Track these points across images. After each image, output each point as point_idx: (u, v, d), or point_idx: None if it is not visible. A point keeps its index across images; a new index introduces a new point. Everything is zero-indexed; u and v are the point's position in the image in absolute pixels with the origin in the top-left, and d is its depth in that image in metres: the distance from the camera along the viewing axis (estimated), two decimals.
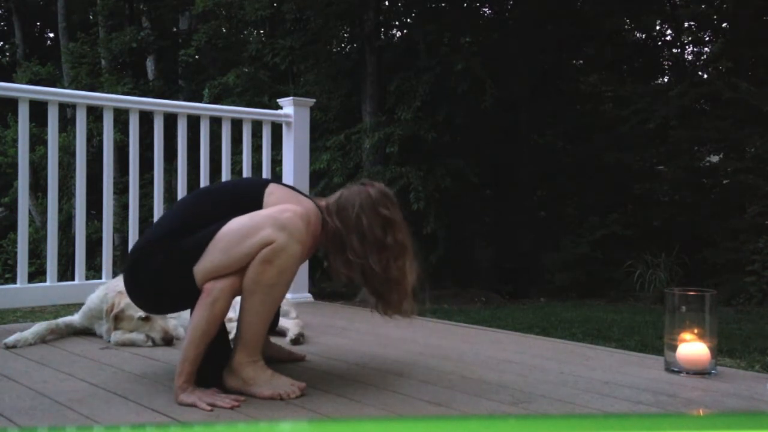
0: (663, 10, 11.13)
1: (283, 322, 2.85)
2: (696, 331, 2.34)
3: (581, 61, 11.98)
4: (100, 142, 3.61)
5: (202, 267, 1.99)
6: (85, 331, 2.86)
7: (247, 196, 2.13)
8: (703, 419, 1.00)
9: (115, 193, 3.53)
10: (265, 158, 3.98)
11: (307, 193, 2.42)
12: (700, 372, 2.32)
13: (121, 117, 6.07)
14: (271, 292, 1.98)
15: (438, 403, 2.00)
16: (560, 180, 10.67)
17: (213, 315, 1.97)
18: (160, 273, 2.05)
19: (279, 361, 2.39)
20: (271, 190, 2.14)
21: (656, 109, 9.25)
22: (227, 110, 3.98)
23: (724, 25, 10.89)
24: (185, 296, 2.05)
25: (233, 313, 2.33)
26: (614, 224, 9.17)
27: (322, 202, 2.20)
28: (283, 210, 2.00)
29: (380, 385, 2.15)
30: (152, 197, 3.60)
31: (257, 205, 2.08)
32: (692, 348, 2.33)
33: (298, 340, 2.74)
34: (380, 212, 2.12)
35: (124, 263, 2.17)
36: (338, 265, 2.17)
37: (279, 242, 1.95)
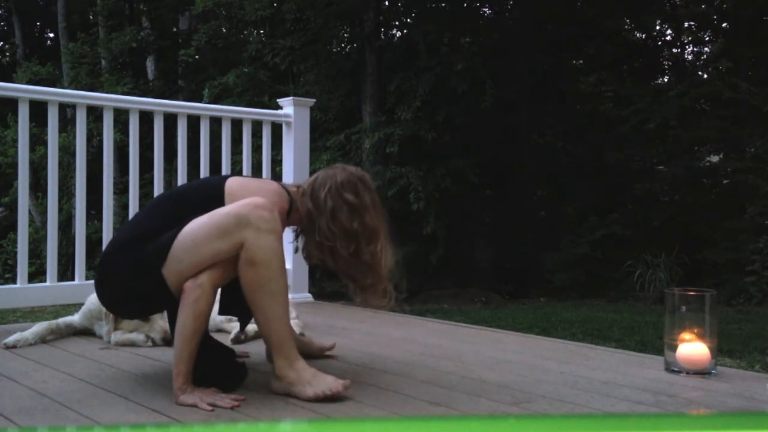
0: (663, 10, 11.13)
1: None
2: (696, 331, 2.34)
3: (581, 61, 11.98)
4: (100, 142, 3.62)
5: (171, 268, 1.98)
6: (85, 332, 2.86)
7: (208, 194, 2.12)
8: (703, 419, 1.00)
9: (115, 193, 3.53)
10: (265, 158, 3.98)
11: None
12: (700, 372, 2.32)
13: (121, 117, 6.07)
14: (270, 288, 1.97)
15: (438, 403, 2.00)
16: (560, 180, 10.67)
17: (198, 311, 1.96)
18: (129, 278, 2.05)
19: (310, 356, 2.40)
20: (231, 184, 2.13)
21: (656, 109, 9.25)
22: (227, 110, 3.98)
23: (724, 25, 10.89)
24: (157, 298, 2.06)
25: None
26: (614, 224, 9.17)
27: (294, 188, 2.22)
28: (243, 206, 1.99)
29: (380, 385, 2.15)
30: (152, 197, 3.58)
31: (219, 201, 2.08)
32: (692, 348, 2.33)
33: None
34: (345, 197, 2.11)
35: (95, 272, 2.16)
36: (310, 247, 2.19)
37: (250, 240, 1.95)
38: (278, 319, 2.00)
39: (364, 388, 2.13)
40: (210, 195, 2.11)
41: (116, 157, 7.61)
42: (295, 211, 2.18)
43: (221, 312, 2.30)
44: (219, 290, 2.22)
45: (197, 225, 1.99)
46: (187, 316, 1.96)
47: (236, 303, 2.25)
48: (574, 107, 11.29)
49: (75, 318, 2.87)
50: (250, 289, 1.98)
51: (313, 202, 2.14)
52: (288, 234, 2.30)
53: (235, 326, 2.77)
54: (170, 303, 2.08)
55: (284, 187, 2.21)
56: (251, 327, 2.83)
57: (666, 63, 12.02)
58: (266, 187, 2.15)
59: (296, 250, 2.27)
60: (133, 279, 2.05)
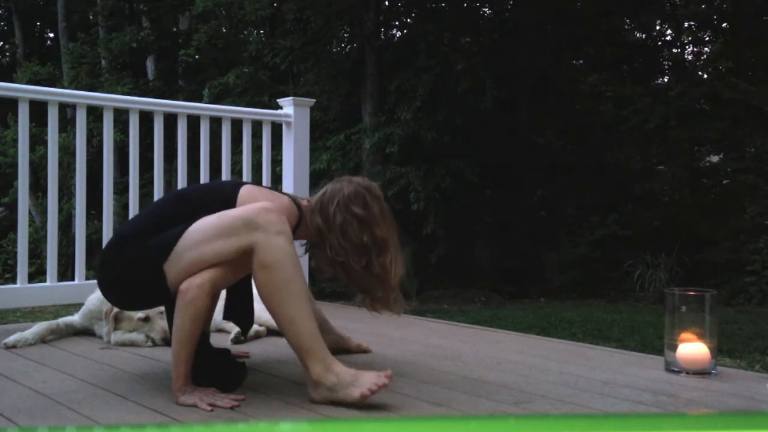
0: (663, 10, 11.12)
1: None
2: (696, 331, 2.34)
3: (581, 61, 11.97)
4: (100, 142, 3.61)
5: (172, 264, 1.97)
6: (85, 332, 2.86)
7: (220, 198, 2.12)
8: (703, 419, 1.00)
9: (115, 193, 3.54)
10: (265, 158, 3.98)
11: (307, 194, 2.43)
12: (700, 372, 2.32)
13: (121, 117, 6.07)
14: (288, 290, 1.94)
15: (438, 403, 2.00)
16: (560, 180, 10.66)
17: (195, 312, 1.94)
18: (130, 269, 2.05)
19: (346, 352, 2.39)
20: (245, 191, 2.13)
21: (656, 109, 9.25)
22: (227, 110, 3.98)
23: (724, 25, 10.89)
24: (156, 293, 2.05)
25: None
26: (614, 224, 9.16)
27: (305, 202, 2.22)
28: (251, 210, 1.98)
29: None
30: (152, 197, 3.59)
31: (230, 206, 2.08)
32: (692, 348, 2.34)
33: None
34: (353, 211, 2.11)
35: (97, 259, 2.16)
36: (322, 263, 2.19)
37: (259, 243, 1.93)
38: (303, 321, 1.94)
39: None
40: (221, 201, 2.10)
41: (116, 157, 7.60)
42: (304, 226, 2.17)
43: (225, 316, 2.30)
44: (224, 293, 2.23)
45: (204, 224, 1.99)
46: (184, 318, 1.94)
47: (239, 307, 2.25)
48: (574, 107, 11.28)
49: (75, 318, 2.87)
50: (267, 292, 1.95)
51: (323, 218, 2.13)
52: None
53: (235, 326, 2.77)
54: (167, 299, 2.08)
55: (295, 201, 2.20)
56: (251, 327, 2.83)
57: (666, 63, 12.01)
58: (277, 201, 2.13)
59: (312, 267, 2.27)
60: (134, 271, 2.04)
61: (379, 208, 2.15)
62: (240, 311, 2.27)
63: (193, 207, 2.10)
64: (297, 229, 2.17)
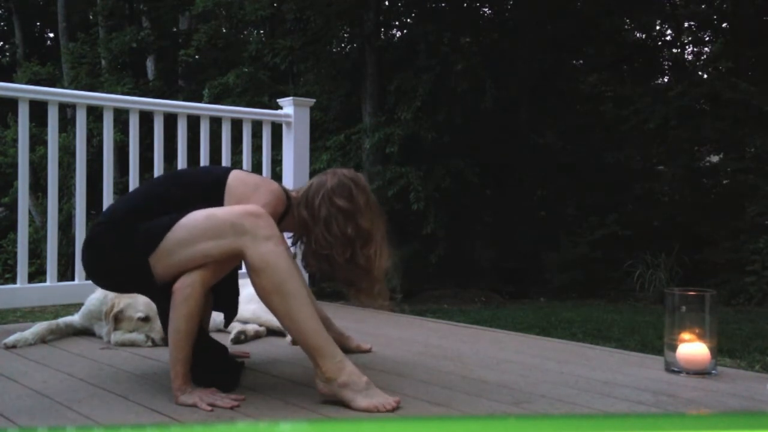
0: (663, 10, 11.13)
1: None
2: (696, 331, 2.34)
3: (581, 61, 11.98)
4: (100, 142, 3.61)
5: (159, 259, 1.97)
6: (85, 332, 2.86)
7: (210, 181, 2.13)
8: (703, 419, 1.00)
9: (115, 193, 3.54)
10: (265, 158, 3.98)
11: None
12: (700, 372, 2.32)
13: (121, 117, 6.07)
14: (284, 290, 1.93)
15: (438, 403, 2.00)
16: (560, 180, 10.66)
17: (189, 312, 1.94)
18: (114, 254, 2.04)
19: (345, 352, 2.41)
20: (232, 178, 2.13)
21: (656, 109, 9.25)
22: (227, 110, 3.98)
23: (724, 25, 10.90)
24: (138, 282, 2.05)
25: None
26: (614, 224, 9.16)
27: (294, 193, 2.22)
28: (238, 214, 1.97)
29: (380, 385, 2.14)
30: None
31: (219, 192, 2.08)
32: (692, 348, 2.33)
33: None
34: (336, 203, 2.11)
35: (86, 235, 2.15)
36: (308, 256, 2.19)
37: (249, 248, 1.93)
38: (305, 319, 1.94)
39: None
40: (211, 185, 2.11)
41: (116, 157, 7.59)
42: (291, 216, 2.17)
43: (214, 308, 2.31)
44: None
45: (193, 223, 1.98)
46: (179, 318, 1.94)
47: (223, 297, 2.26)
48: (574, 107, 11.28)
49: (75, 318, 2.87)
50: (264, 295, 1.95)
51: (308, 211, 2.13)
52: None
53: (235, 326, 2.78)
54: (150, 290, 2.09)
55: (285, 189, 2.20)
56: (251, 327, 2.84)
57: (666, 63, 12.01)
58: (266, 187, 2.13)
59: (294, 257, 2.27)
60: (118, 257, 2.04)
61: (365, 200, 2.15)
62: (224, 300, 2.27)
63: (184, 188, 2.11)
64: (285, 218, 2.17)
